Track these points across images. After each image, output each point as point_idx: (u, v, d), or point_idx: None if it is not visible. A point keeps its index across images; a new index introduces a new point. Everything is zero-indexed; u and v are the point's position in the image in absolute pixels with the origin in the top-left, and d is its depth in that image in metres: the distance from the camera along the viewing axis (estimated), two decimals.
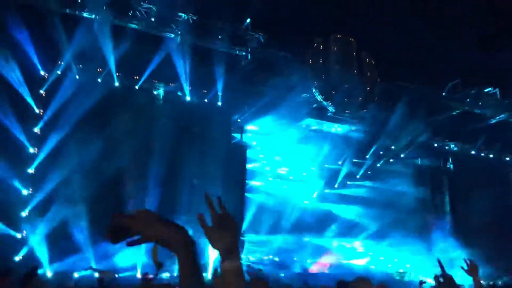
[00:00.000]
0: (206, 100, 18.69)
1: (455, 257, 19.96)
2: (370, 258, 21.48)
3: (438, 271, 3.80)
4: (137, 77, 17.62)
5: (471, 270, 4.00)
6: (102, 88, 16.57)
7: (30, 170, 15.52)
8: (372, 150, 21.82)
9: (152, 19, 16.90)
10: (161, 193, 15.88)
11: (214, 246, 1.81)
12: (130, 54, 16.32)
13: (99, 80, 17.04)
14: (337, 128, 21.03)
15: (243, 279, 1.80)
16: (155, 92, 18.37)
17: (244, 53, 18.40)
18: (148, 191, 15.92)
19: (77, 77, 16.56)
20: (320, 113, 20.04)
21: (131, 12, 16.65)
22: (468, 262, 3.99)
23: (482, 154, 23.17)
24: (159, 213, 1.74)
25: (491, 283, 18.81)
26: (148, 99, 17.89)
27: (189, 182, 16.64)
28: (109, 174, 15.27)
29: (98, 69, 17.06)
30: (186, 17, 17.15)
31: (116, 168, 15.36)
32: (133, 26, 16.71)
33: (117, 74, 17.11)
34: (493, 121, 22.10)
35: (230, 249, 1.79)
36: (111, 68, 16.80)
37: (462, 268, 3.93)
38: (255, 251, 19.39)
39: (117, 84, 17.28)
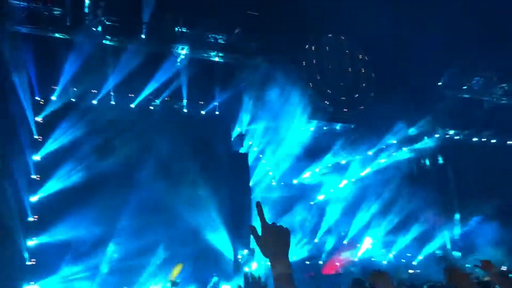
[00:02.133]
0: (203, 112, 18.65)
1: None
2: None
3: None
4: (133, 95, 17.61)
5: (485, 267, 4.26)
6: (98, 109, 16.56)
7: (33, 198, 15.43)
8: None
9: (143, 36, 16.93)
10: (165, 209, 15.65)
11: (264, 254, 1.93)
12: (126, 73, 16.32)
13: (95, 101, 16.99)
14: (337, 127, 21.02)
15: (293, 285, 1.91)
16: (151, 108, 18.28)
17: (238, 62, 18.43)
18: (153, 209, 15.74)
19: (73, 100, 16.54)
20: (319, 114, 20.00)
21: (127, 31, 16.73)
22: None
23: None
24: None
25: None
26: (145, 116, 17.79)
27: (195, 195, 16.40)
28: (113, 195, 15.12)
29: (92, 91, 17.02)
30: (180, 31, 17.20)
31: (119, 189, 15.27)
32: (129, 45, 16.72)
33: (112, 93, 17.09)
34: None
35: (280, 256, 1.88)
36: (107, 88, 16.75)
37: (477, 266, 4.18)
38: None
39: (113, 103, 17.26)
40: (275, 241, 1.91)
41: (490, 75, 21.90)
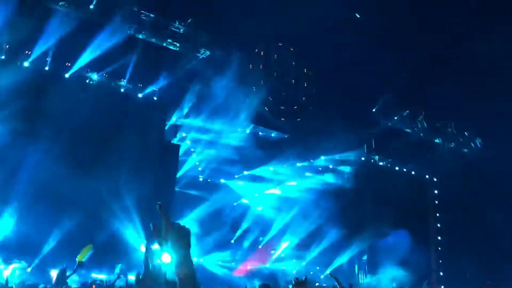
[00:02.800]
0: (141, 95, 18.13)
1: None
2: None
3: None
4: (69, 64, 16.79)
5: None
6: (30, 72, 15.58)
7: None
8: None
9: (91, 6, 16.24)
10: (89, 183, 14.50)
11: (167, 254, 1.92)
12: (66, 40, 15.47)
13: (27, 63, 16.01)
14: (272, 134, 21.32)
15: (196, 285, 1.91)
16: (87, 81, 17.50)
17: (188, 52, 18.17)
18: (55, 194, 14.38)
19: (3, 57, 15.53)
20: (257, 118, 20.14)
21: None
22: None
23: None
24: None
25: None
26: (80, 87, 16.91)
27: (113, 182, 15.06)
28: (34, 162, 14.11)
29: (27, 52, 16.04)
30: (132, 10, 16.68)
31: (42, 157, 14.31)
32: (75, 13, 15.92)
33: (47, 58, 16.19)
34: None
35: (182, 256, 1.89)
36: (44, 52, 15.81)
37: None
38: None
39: (47, 68, 16.37)
40: (176, 240, 1.91)
41: (419, 110, 23.13)
